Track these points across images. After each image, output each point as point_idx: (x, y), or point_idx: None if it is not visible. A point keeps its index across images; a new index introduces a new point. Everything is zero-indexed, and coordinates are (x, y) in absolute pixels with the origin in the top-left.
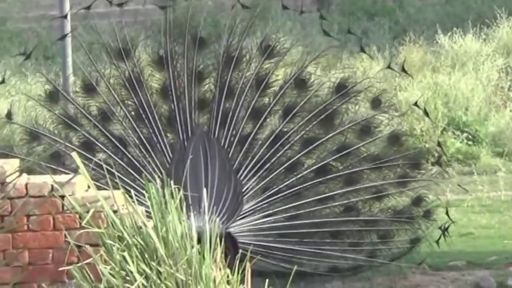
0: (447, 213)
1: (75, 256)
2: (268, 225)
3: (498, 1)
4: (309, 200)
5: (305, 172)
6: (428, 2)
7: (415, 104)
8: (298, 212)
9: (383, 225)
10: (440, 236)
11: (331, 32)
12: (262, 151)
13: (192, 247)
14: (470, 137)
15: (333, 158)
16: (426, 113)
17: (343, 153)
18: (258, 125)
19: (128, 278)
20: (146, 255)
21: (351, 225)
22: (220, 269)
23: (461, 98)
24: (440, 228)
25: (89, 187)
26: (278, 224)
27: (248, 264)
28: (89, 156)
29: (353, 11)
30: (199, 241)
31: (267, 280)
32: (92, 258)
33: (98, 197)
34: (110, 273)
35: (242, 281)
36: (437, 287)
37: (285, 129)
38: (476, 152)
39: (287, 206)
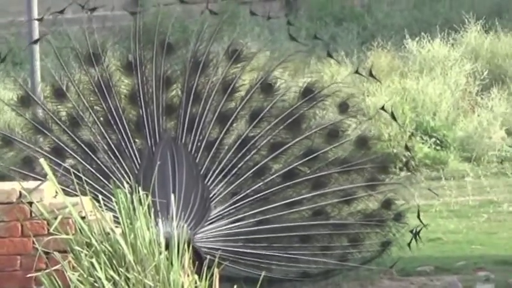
0: (418, 216)
1: (43, 263)
2: (236, 230)
3: (466, 6)
4: (276, 204)
5: (272, 177)
6: (397, 7)
7: (382, 108)
8: (266, 217)
9: (353, 228)
10: (411, 240)
11: (298, 37)
12: (229, 156)
13: (160, 253)
14: (438, 142)
15: (300, 162)
16: (393, 117)
17: (310, 157)
18: (225, 130)
19: (96, 284)
20: (114, 262)
21: (320, 229)
22: (188, 275)
23: (429, 103)
24: (411, 231)
25: (57, 193)
26: (246, 229)
27: (216, 270)
28: (59, 162)
29: (321, 16)
30: (167, 247)
31: (235, 286)
32: (60, 265)
33: (66, 204)
34: (78, 280)
35: (210, 287)
36: None
37: (252, 134)
38: (444, 157)
39: (255, 211)
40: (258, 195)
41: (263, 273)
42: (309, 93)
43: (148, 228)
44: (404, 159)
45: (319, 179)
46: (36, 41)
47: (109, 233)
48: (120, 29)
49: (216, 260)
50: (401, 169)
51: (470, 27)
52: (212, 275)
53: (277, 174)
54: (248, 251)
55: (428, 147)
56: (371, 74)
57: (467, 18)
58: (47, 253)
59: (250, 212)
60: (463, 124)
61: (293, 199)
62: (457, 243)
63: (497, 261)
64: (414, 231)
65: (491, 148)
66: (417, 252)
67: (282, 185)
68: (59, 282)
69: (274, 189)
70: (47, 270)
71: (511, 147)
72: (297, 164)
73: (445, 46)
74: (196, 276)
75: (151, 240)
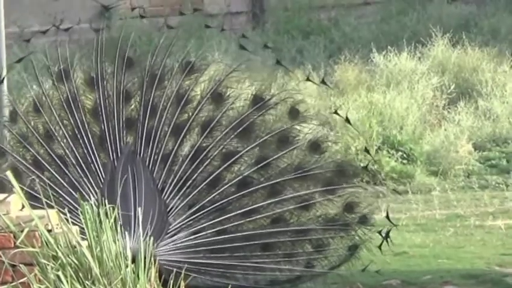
0: (387, 216)
1: (9, 275)
2: (196, 241)
3: (433, 20)
4: (233, 214)
5: (226, 186)
6: (364, 21)
7: (336, 112)
8: (224, 227)
9: (315, 234)
10: (382, 242)
11: (266, 51)
12: (183, 168)
13: (127, 266)
14: (405, 155)
15: (252, 170)
16: (348, 121)
17: (262, 164)
18: (179, 141)
19: None
20: (81, 275)
21: (280, 237)
22: None
23: (396, 116)
24: (379, 232)
25: (23, 206)
26: (206, 239)
27: (182, 284)
28: (38, 174)
29: (288, 30)
30: (133, 261)
31: None
32: (26, 278)
33: (33, 216)
34: None
35: None
36: None
37: (204, 144)
38: (410, 170)
39: (213, 222)
40: (214, 205)
41: (230, 284)
42: (259, 101)
43: (114, 242)
44: (371, 174)
45: (274, 186)
46: (20, 60)
47: (75, 246)
48: (87, 42)
49: (183, 272)
50: (368, 182)
51: (437, 41)
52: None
53: (230, 183)
54: (211, 261)
55: (395, 161)
56: (323, 81)
57: (434, 31)
58: (13, 266)
59: (208, 223)
60: (429, 138)
61: (249, 208)
62: (423, 257)
63: (464, 275)
64: (384, 233)
65: (458, 162)
66: (383, 266)
67: (237, 194)
68: None
69: (229, 198)
70: (13, 283)
71: (478, 161)
72: (249, 172)
73: (412, 60)
74: None
75: (117, 253)
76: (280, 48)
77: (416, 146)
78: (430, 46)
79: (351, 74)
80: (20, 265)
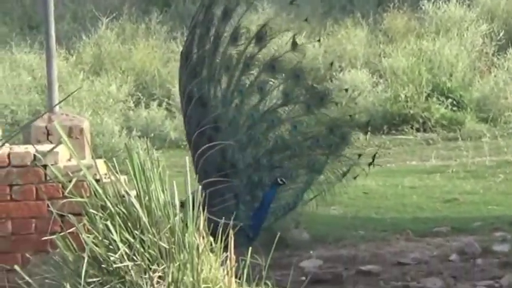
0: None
1: (58, 226)
2: None
3: None
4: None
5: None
6: None
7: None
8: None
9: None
10: (371, 163)
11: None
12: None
13: (175, 215)
14: (454, 103)
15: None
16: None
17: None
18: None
19: (111, 246)
20: (129, 224)
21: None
22: (203, 237)
23: (446, 64)
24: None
25: (71, 157)
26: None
27: (231, 232)
28: None
29: None
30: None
31: (250, 248)
32: (75, 228)
33: (81, 167)
34: (93, 242)
35: (226, 249)
36: (422, 252)
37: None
38: (460, 117)
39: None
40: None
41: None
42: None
43: (163, 191)
44: (421, 120)
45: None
46: None
47: (124, 196)
48: None
49: (231, 221)
50: (418, 130)
51: None
52: (227, 236)
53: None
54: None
55: (445, 108)
56: None
57: None
58: (61, 216)
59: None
60: (479, 85)
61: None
62: (473, 203)
63: None
64: (371, 160)
65: (507, 109)
66: (433, 213)
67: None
68: (74, 245)
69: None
70: (62, 233)
71: None
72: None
73: (461, 7)
74: (211, 238)
75: (166, 202)
76: None
77: (466, 92)
78: None
79: (400, 22)
80: (69, 215)
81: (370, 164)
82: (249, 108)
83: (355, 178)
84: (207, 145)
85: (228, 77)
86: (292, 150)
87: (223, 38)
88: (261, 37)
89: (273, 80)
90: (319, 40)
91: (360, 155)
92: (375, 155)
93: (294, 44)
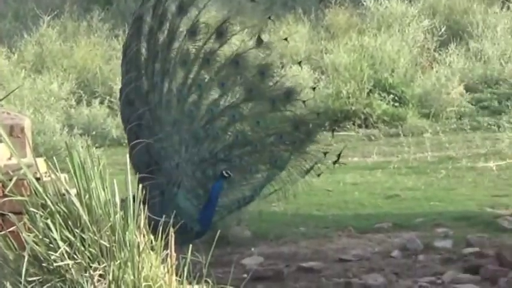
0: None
1: None
2: None
3: None
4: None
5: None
6: None
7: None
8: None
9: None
10: (336, 161)
11: None
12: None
13: (116, 214)
14: (396, 98)
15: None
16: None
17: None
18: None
19: (51, 245)
20: (70, 223)
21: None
22: (144, 235)
23: (388, 59)
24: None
25: (11, 155)
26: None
27: (172, 230)
28: None
29: None
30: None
31: (191, 245)
32: (15, 227)
33: (21, 165)
34: (34, 241)
35: (166, 247)
36: (364, 249)
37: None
38: (402, 113)
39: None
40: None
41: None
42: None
43: (103, 189)
44: (363, 117)
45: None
46: None
47: (64, 194)
48: None
49: (171, 219)
50: (360, 126)
51: None
52: (168, 234)
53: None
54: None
55: (387, 103)
56: None
57: None
58: (2, 215)
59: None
60: (421, 80)
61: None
62: (415, 199)
63: (455, 217)
64: (337, 157)
65: (449, 104)
66: (375, 209)
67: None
68: (15, 244)
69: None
70: (3, 232)
71: (469, 103)
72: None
73: (403, 3)
74: (152, 236)
75: (106, 200)
76: None
77: (407, 88)
78: None
79: (341, 18)
80: (9, 214)
81: (335, 162)
82: (207, 103)
83: (318, 175)
84: (133, 142)
85: (185, 72)
86: (253, 146)
87: (178, 32)
88: (221, 33)
89: (235, 75)
90: (286, 39)
91: (325, 153)
92: (340, 153)
93: (259, 41)
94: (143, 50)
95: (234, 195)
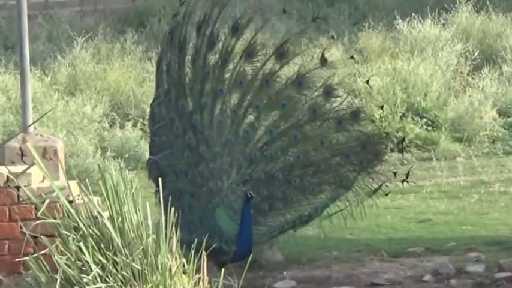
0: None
1: (31, 247)
2: None
3: None
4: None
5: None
6: None
7: (367, 82)
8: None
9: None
10: (405, 179)
11: (290, 19)
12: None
13: (148, 237)
14: (429, 122)
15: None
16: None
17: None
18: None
19: (83, 268)
20: (102, 245)
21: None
22: (176, 258)
23: (421, 83)
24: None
25: (44, 178)
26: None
27: (204, 253)
28: None
29: None
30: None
31: (223, 269)
32: (47, 249)
33: (53, 188)
34: (66, 264)
35: (198, 270)
36: (396, 273)
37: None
38: (435, 137)
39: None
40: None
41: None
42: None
43: (136, 212)
44: (395, 140)
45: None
46: None
47: (96, 217)
48: (111, 11)
49: (204, 242)
50: (392, 150)
51: (461, 7)
52: (200, 258)
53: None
54: None
55: (420, 127)
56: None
57: None
58: (34, 237)
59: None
60: (454, 104)
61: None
62: (447, 224)
63: (488, 242)
64: (406, 176)
65: (482, 128)
66: (407, 233)
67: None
68: (47, 266)
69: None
70: (35, 255)
71: (502, 127)
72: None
73: (436, 26)
74: (184, 260)
75: (139, 223)
76: (305, 15)
77: (440, 112)
78: (454, 12)
79: (375, 41)
80: (42, 236)
81: (403, 181)
82: (266, 124)
83: (387, 195)
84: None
85: (241, 93)
86: (316, 166)
87: (234, 53)
88: (281, 53)
89: (298, 96)
90: (352, 57)
91: (395, 173)
92: (408, 172)
93: (323, 60)
94: (187, 70)
95: (291, 214)
